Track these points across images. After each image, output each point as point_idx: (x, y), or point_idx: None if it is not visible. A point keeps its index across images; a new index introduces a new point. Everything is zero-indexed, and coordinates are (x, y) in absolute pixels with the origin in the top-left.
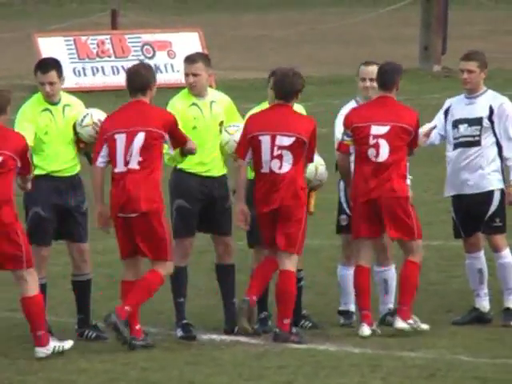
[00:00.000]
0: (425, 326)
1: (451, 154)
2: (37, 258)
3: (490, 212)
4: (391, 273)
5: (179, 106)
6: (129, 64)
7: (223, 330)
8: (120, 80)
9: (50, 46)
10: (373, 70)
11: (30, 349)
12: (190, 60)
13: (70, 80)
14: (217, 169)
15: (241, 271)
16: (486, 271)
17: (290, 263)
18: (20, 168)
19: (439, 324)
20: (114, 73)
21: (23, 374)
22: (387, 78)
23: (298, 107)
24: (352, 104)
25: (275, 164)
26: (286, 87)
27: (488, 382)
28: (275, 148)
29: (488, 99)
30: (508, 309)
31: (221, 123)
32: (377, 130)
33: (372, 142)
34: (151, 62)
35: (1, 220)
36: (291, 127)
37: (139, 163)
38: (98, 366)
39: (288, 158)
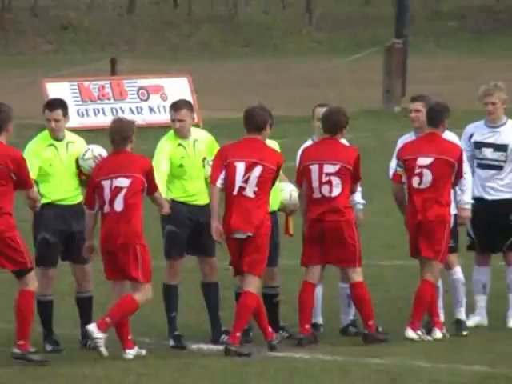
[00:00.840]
0: (429, 337)
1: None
2: (44, 278)
3: None
4: None
5: (168, 148)
6: (126, 106)
7: (210, 340)
8: None
9: (57, 90)
10: (323, 110)
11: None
12: (175, 107)
13: (75, 120)
14: (202, 199)
15: (227, 288)
16: (441, 287)
17: (356, 275)
18: (147, 188)
19: (401, 334)
20: (113, 113)
21: (34, 379)
22: (436, 116)
23: (272, 143)
24: (309, 142)
25: (325, 189)
26: (331, 123)
27: (442, 383)
28: (323, 175)
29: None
30: (458, 320)
31: (203, 159)
32: (422, 161)
33: (417, 171)
34: (146, 104)
35: (126, 233)
36: (336, 156)
37: (254, 192)
38: (100, 372)
39: (336, 182)
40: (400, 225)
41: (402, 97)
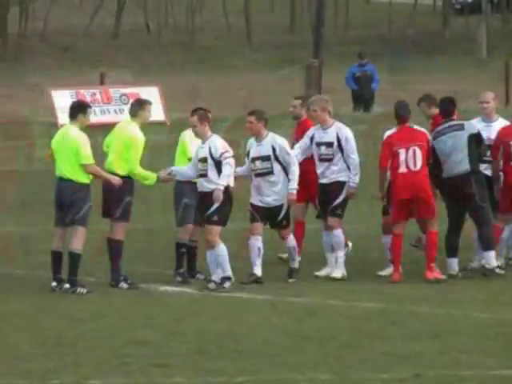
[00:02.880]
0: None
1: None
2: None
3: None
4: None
5: (139, 135)
6: (111, 108)
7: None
8: (106, 119)
9: (59, 96)
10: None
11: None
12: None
13: None
14: None
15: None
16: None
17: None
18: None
19: (316, 279)
20: (102, 114)
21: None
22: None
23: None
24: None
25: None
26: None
27: (346, 316)
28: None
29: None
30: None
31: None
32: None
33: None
34: (126, 107)
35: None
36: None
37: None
38: (105, 302)
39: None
40: None
41: None
